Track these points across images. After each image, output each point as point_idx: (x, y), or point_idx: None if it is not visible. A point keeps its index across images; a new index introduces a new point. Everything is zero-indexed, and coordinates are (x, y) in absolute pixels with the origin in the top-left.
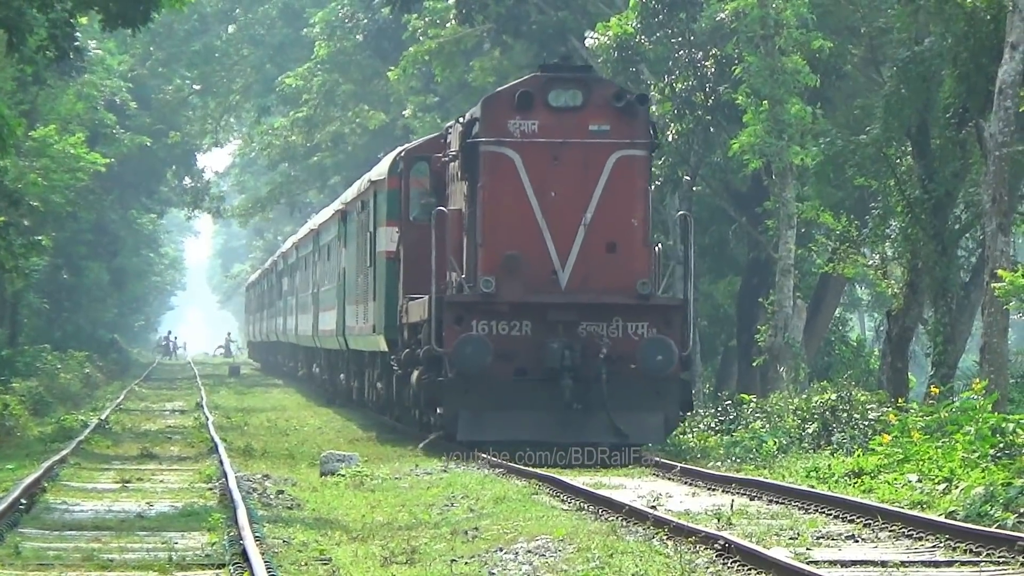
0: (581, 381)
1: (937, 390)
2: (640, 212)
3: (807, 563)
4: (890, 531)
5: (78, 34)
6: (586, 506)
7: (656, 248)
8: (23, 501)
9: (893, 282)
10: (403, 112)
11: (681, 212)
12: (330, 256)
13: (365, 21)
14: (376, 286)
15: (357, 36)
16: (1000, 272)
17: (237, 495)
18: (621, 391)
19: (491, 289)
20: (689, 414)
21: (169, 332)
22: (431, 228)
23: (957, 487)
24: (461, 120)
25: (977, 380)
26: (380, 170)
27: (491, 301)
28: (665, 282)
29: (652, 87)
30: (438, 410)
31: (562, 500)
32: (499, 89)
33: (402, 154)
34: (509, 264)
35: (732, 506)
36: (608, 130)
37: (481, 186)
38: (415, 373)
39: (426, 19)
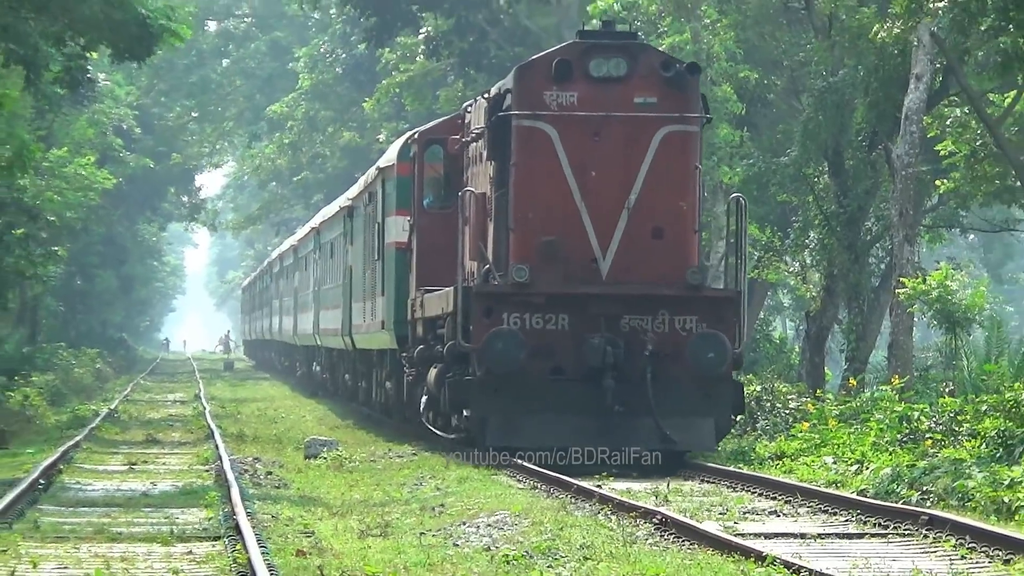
0: (624, 381)
1: (854, 382)
2: (690, 194)
3: (735, 535)
4: (809, 507)
5: (90, 67)
6: (539, 485)
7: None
8: (42, 481)
9: (811, 286)
10: (377, 137)
11: (734, 194)
12: (333, 254)
13: (344, 56)
14: (385, 280)
15: (336, 69)
16: (903, 280)
17: (231, 476)
18: (668, 392)
19: (525, 278)
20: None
21: (228, 331)
22: (451, 213)
23: (868, 468)
24: (486, 95)
25: (896, 378)
26: (388, 156)
27: (525, 292)
28: (711, 272)
29: None
30: (464, 413)
31: (518, 480)
32: (534, 57)
33: (415, 136)
34: (546, 251)
35: (668, 485)
36: (655, 103)
37: (514, 164)
38: (433, 371)
39: (398, 54)
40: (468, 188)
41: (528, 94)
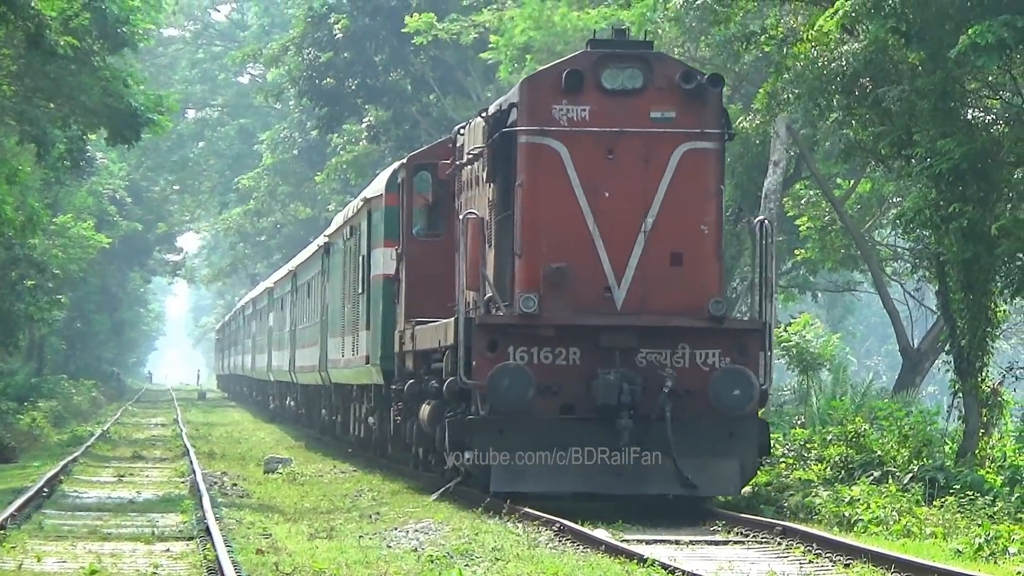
0: (641, 420)
1: None
2: (711, 217)
3: (621, 541)
4: (682, 518)
5: (89, 147)
6: (457, 498)
7: None
8: (45, 490)
9: None
10: (327, 208)
11: (760, 218)
12: (310, 294)
13: (300, 139)
14: (370, 313)
15: (294, 150)
16: None
17: (203, 487)
18: (689, 433)
19: (533, 309)
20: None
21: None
22: (441, 241)
23: None
24: (483, 113)
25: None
26: (376, 187)
27: (533, 323)
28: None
29: None
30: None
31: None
32: (541, 68)
33: (404, 162)
34: (555, 278)
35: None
36: (673, 117)
37: (520, 185)
38: (426, 408)
39: (344, 138)
40: (469, 212)
41: (535, 108)
